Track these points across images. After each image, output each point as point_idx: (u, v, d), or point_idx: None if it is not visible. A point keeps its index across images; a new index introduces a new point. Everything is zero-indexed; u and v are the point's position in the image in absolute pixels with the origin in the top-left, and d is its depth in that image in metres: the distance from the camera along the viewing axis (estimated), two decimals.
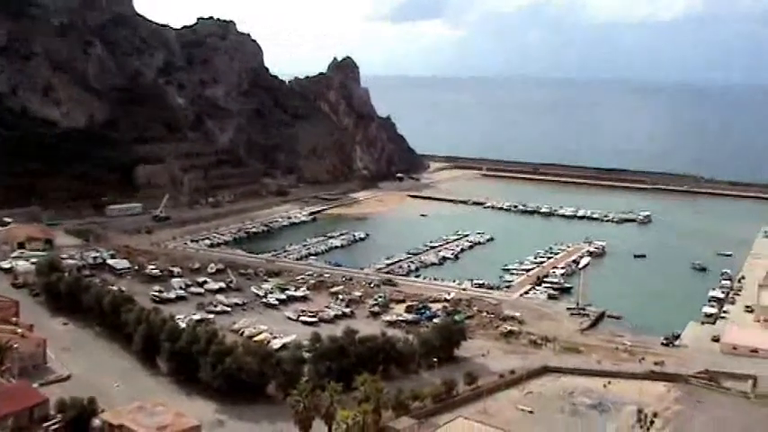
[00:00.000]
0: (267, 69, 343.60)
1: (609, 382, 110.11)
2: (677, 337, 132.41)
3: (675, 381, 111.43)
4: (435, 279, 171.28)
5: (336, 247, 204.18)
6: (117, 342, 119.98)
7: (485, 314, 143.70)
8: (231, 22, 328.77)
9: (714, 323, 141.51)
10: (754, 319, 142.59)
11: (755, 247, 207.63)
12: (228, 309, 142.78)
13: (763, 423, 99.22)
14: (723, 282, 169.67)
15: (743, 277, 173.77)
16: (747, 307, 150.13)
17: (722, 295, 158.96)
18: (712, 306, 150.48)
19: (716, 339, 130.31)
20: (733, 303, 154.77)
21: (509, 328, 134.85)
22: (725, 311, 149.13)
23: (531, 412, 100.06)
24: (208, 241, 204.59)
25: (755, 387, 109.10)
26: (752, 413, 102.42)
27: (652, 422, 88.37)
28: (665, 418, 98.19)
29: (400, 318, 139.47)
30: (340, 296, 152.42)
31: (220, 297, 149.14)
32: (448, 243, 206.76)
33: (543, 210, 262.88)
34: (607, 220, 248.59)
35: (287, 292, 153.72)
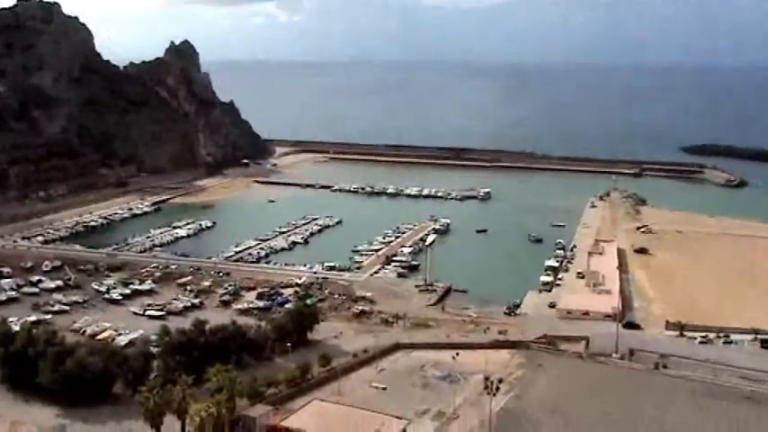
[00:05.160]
0: (99, 54, 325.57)
1: (457, 354, 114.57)
2: (518, 306, 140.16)
3: (518, 347, 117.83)
4: (286, 264, 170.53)
5: (182, 237, 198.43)
6: None
7: (336, 296, 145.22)
8: (56, 4, 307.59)
9: (550, 291, 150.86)
10: (584, 285, 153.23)
11: (584, 217, 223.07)
12: (67, 308, 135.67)
13: (596, 379, 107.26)
14: (557, 251, 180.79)
15: (574, 246, 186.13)
16: (579, 273, 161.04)
17: (557, 264, 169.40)
18: (548, 275, 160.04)
19: (552, 306, 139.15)
20: (567, 271, 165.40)
21: (361, 308, 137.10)
22: (560, 279, 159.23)
23: (384, 389, 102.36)
24: (41, 238, 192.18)
25: (588, 347, 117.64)
26: (586, 371, 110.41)
27: (498, 388, 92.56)
28: (509, 383, 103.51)
29: (252, 305, 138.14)
30: (188, 287, 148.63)
31: (58, 296, 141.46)
32: (297, 228, 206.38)
33: (390, 191, 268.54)
34: (450, 198, 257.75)
35: (131, 286, 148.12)
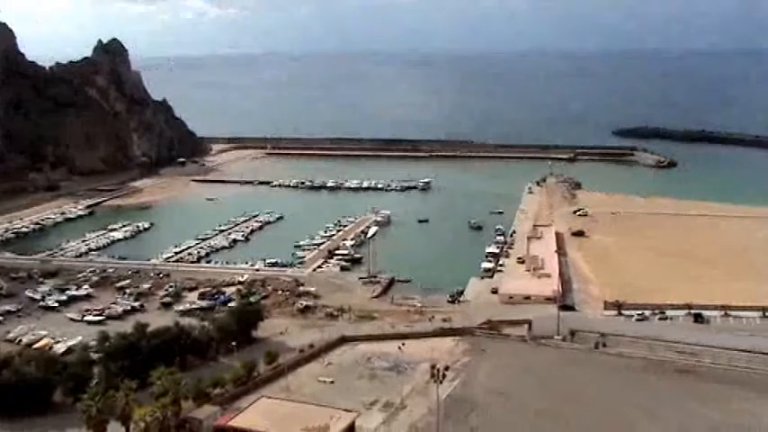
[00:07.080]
0: (23, 55, 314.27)
1: (403, 344, 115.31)
2: (461, 293, 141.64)
3: (462, 334, 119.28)
4: (227, 262, 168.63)
5: (119, 240, 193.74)
6: None
7: (280, 292, 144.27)
8: None
9: (492, 276, 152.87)
10: (525, 269, 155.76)
11: (522, 203, 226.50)
12: (0, 317, 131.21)
13: (539, 361, 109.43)
14: (497, 238, 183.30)
15: (514, 232, 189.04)
16: (519, 258, 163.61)
17: (497, 250, 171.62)
18: (489, 261, 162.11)
19: (495, 291, 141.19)
20: (507, 257, 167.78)
21: (305, 303, 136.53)
22: (501, 265, 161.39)
23: (332, 383, 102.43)
24: None
25: (530, 330, 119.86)
26: (529, 354, 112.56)
27: (444, 376, 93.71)
28: (455, 370, 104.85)
29: (194, 306, 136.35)
30: (127, 290, 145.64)
31: None
32: (237, 225, 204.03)
33: (329, 184, 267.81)
34: (390, 190, 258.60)
35: (67, 292, 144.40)
